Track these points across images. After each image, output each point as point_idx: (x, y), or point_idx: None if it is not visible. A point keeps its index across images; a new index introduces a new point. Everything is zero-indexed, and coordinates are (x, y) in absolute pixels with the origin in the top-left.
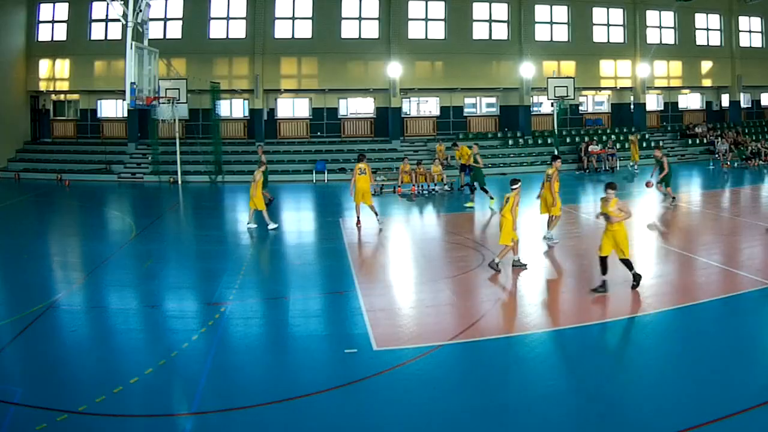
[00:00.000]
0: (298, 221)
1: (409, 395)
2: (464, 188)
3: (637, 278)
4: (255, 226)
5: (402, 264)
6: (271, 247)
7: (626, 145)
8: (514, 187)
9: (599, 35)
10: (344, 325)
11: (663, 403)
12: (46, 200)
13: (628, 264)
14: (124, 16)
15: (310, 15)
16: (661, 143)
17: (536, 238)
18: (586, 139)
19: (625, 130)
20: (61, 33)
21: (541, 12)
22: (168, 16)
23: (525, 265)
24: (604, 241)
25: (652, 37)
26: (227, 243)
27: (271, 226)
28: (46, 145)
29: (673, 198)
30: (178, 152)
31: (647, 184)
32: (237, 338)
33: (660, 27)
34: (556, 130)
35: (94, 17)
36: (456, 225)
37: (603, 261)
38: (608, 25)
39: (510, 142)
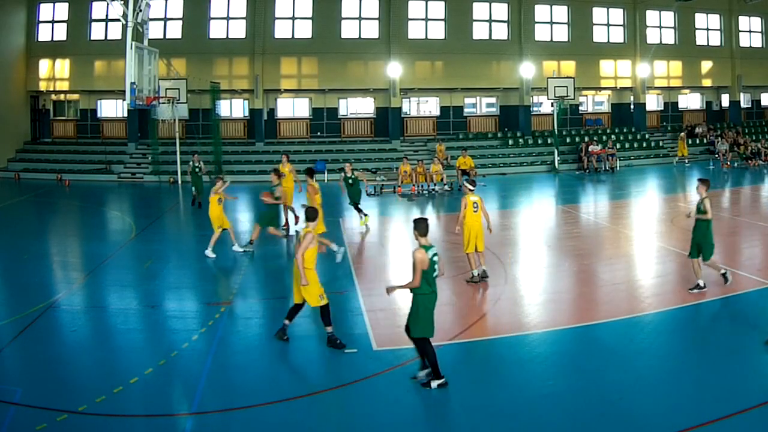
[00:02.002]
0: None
1: (409, 395)
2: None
3: (281, 332)
4: (241, 250)
5: (402, 264)
6: (271, 247)
7: (626, 145)
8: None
9: (599, 35)
10: (344, 325)
11: (663, 403)
12: (46, 200)
13: (290, 313)
14: (124, 16)
15: (310, 15)
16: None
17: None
18: (586, 139)
19: (625, 130)
20: (61, 33)
21: (541, 12)
22: (168, 16)
23: (485, 278)
24: (294, 287)
25: (652, 37)
26: (227, 243)
27: (209, 252)
28: (46, 145)
29: (250, 243)
30: (178, 152)
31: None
32: (237, 338)
33: (660, 27)
34: (556, 130)
35: (94, 17)
36: (456, 225)
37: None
38: (608, 25)
39: (510, 142)
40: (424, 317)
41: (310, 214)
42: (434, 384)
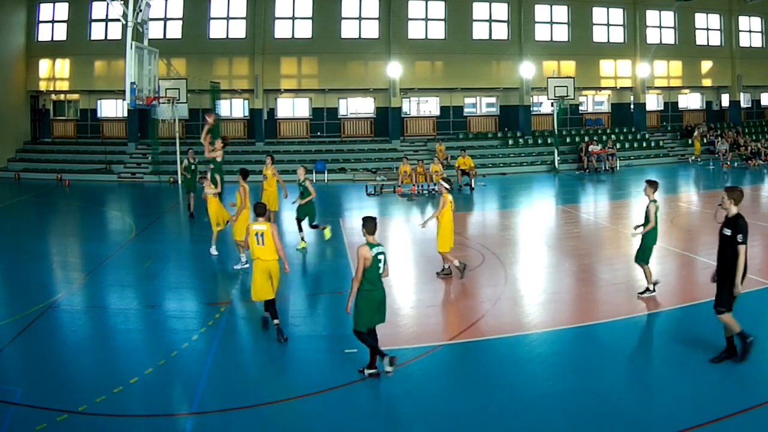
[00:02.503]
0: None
1: (409, 395)
2: (463, 188)
3: (265, 324)
4: (216, 253)
5: (402, 264)
6: None
7: (626, 145)
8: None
9: (599, 35)
10: (344, 325)
11: (663, 403)
12: (46, 200)
13: (273, 312)
14: (124, 16)
15: (310, 15)
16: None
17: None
18: (586, 139)
19: (625, 129)
20: (61, 33)
21: (541, 12)
22: (168, 16)
23: (448, 275)
24: (258, 280)
25: (652, 37)
26: (227, 243)
27: (213, 251)
28: (46, 145)
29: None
30: (178, 152)
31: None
32: (237, 338)
33: (660, 27)
34: (556, 130)
35: (94, 17)
36: (456, 225)
37: (269, 305)
38: (608, 25)
39: (510, 142)
40: (364, 312)
41: (260, 210)
42: (366, 372)
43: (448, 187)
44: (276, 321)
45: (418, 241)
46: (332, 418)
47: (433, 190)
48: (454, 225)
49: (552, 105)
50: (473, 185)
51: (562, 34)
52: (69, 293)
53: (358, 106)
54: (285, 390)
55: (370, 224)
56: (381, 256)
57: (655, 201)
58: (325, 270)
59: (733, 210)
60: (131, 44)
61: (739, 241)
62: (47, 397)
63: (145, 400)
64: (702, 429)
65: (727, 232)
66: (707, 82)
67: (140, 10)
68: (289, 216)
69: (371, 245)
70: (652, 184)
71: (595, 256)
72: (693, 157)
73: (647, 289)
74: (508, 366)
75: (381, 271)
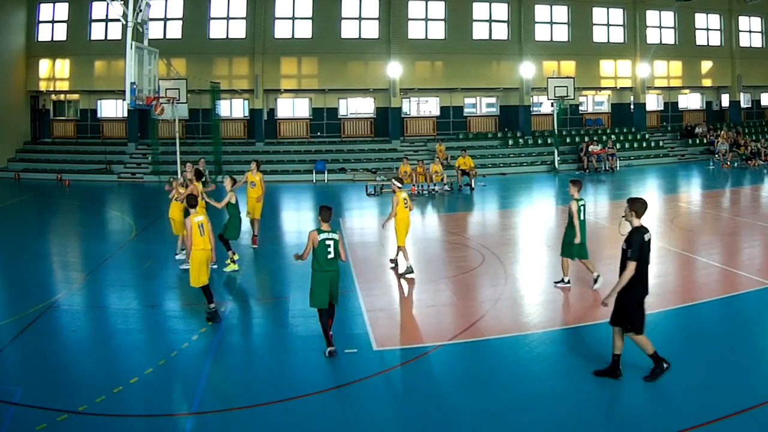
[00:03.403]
0: (297, 221)
1: (409, 395)
2: (463, 188)
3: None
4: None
5: (402, 264)
6: (271, 247)
7: (626, 145)
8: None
9: (599, 35)
10: (344, 325)
11: (663, 403)
12: (46, 200)
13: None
14: (124, 16)
15: (310, 15)
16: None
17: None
18: (586, 139)
19: (625, 130)
20: (61, 33)
21: (541, 12)
22: (168, 16)
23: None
24: (195, 268)
25: (652, 37)
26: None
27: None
28: (46, 145)
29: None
30: (178, 152)
31: None
32: (237, 338)
33: (660, 27)
34: (556, 130)
35: (94, 17)
36: (456, 225)
37: (206, 290)
38: (608, 25)
39: (510, 142)
40: (315, 291)
41: (192, 201)
42: (326, 351)
43: (399, 185)
44: (212, 305)
45: (417, 240)
46: (332, 419)
47: (434, 190)
48: (452, 224)
49: (552, 105)
50: (473, 185)
51: (562, 34)
52: (69, 293)
53: (358, 106)
54: (285, 390)
55: (324, 212)
56: (329, 242)
57: (579, 200)
58: None
59: (635, 222)
60: (131, 44)
61: (628, 256)
62: (47, 397)
63: (145, 400)
64: (702, 429)
65: (624, 246)
66: (707, 82)
67: (140, 10)
68: (284, 221)
69: (320, 231)
70: (576, 183)
71: (594, 256)
72: (730, 156)
73: (562, 280)
74: (508, 366)
75: (330, 255)
